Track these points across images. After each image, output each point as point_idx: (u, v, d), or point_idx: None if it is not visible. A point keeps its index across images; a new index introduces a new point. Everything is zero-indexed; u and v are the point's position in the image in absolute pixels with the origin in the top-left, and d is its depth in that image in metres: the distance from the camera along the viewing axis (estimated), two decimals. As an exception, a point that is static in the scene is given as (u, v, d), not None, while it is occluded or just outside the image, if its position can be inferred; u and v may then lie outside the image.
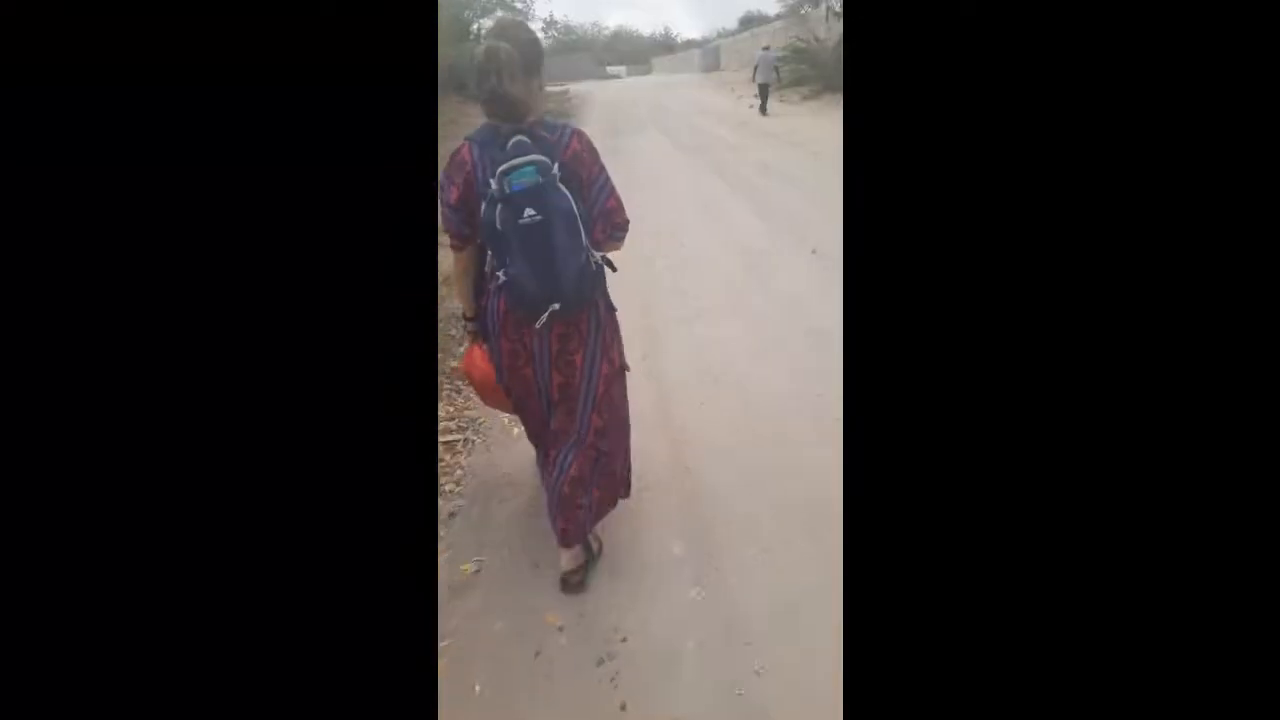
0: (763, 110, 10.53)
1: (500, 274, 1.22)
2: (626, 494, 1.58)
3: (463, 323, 1.46)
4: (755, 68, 10.84)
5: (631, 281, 3.38)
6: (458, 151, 1.20)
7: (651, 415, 2.13)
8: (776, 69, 10.80)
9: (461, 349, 2.41)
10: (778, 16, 20.22)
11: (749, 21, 34.39)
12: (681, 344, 2.69)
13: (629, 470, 1.57)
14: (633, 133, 9.54)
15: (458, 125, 7.48)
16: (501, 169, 1.12)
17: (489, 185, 1.14)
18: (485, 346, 1.40)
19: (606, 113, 12.93)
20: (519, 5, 15.28)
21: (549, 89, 15.58)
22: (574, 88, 19.75)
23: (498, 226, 1.15)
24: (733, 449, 1.95)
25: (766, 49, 11.31)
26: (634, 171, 6.51)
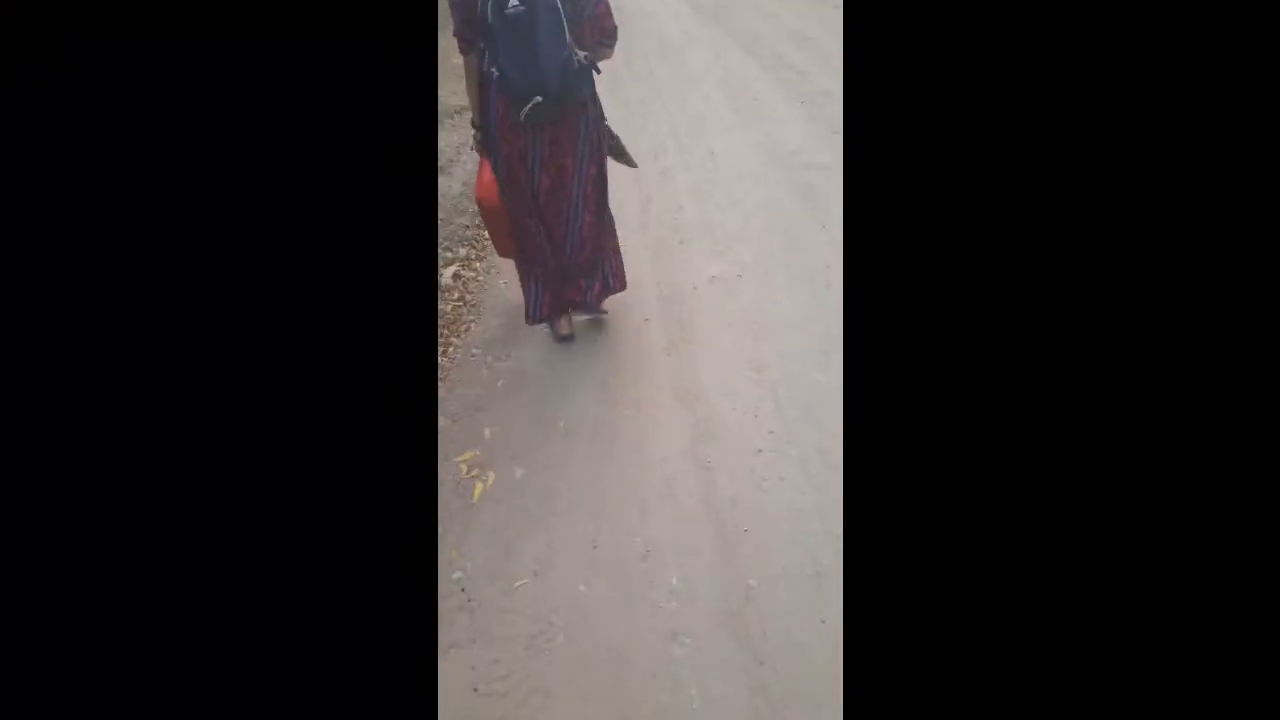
0: None
1: (493, 70, 1.34)
2: (622, 286, 1.80)
3: (472, 132, 1.51)
4: None
5: (649, 214, 2.48)
6: None
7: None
8: None
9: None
10: None
11: None
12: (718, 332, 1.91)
13: (620, 269, 1.77)
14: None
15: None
16: None
17: None
18: (490, 164, 1.51)
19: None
20: None
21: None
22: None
23: (489, 20, 1.26)
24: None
25: None
26: (639, 46, 5.27)
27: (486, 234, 2.12)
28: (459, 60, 1.45)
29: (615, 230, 1.74)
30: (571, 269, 1.67)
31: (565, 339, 1.78)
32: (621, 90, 3.88)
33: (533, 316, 1.73)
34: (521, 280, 1.72)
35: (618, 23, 1.41)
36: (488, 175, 1.52)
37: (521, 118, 1.35)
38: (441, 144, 3.33)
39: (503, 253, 1.74)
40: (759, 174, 2.79)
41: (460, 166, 3.17)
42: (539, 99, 1.31)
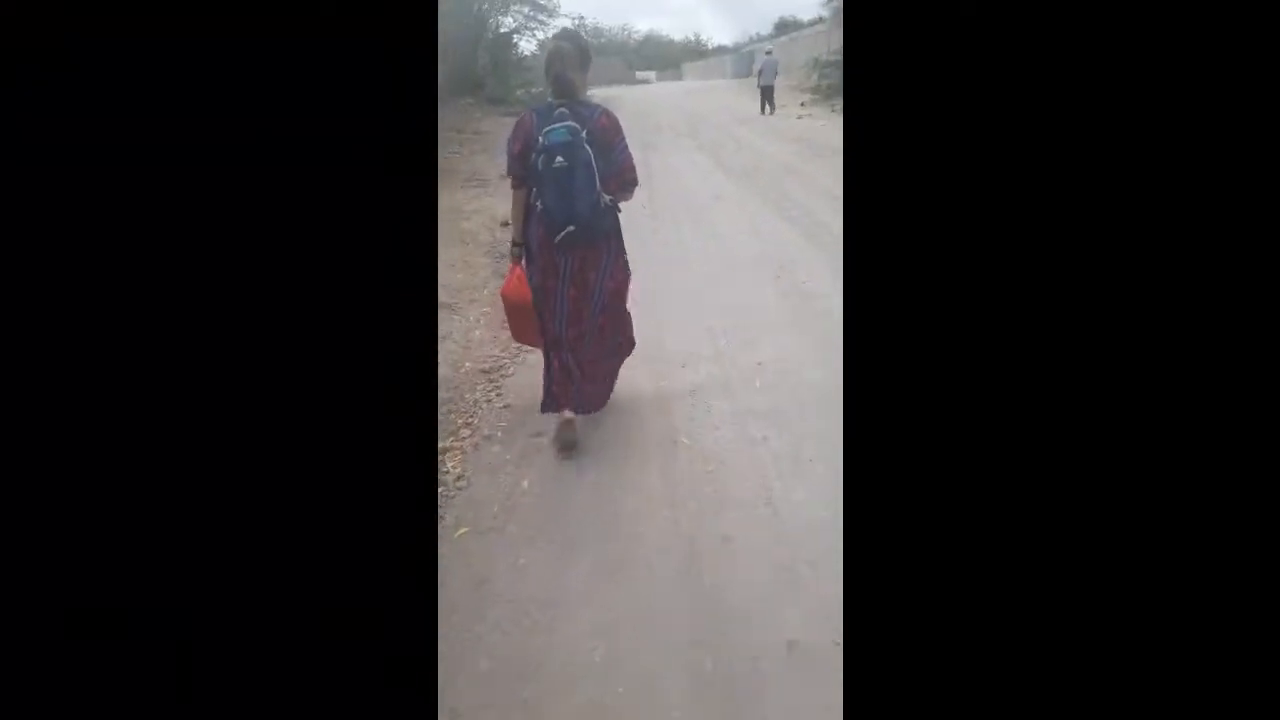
0: (763, 109, 11.46)
1: (537, 204, 1.72)
2: (629, 350, 2.09)
3: (511, 247, 1.92)
4: (759, 71, 11.80)
5: (674, 474, 1.69)
6: (521, 118, 1.77)
7: None
8: (777, 72, 11.77)
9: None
10: (817, 20, 18.61)
11: (784, 27, 32.90)
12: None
13: (632, 341, 2.08)
14: (666, 147, 7.95)
15: (482, 135, 7.59)
16: (545, 128, 1.64)
17: (538, 140, 1.64)
18: (523, 269, 1.88)
19: (636, 121, 11.09)
20: (543, 2, 13.78)
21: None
22: (603, 91, 18.17)
23: (538, 169, 1.65)
24: None
25: (769, 53, 12.40)
26: (667, 202, 4.90)
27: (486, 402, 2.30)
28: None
29: (631, 345, 2.09)
30: (583, 367, 1.94)
31: (567, 447, 1.92)
32: (648, 259, 3.20)
33: (548, 405, 1.98)
34: (545, 369, 1.99)
35: (639, 178, 1.86)
36: (516, 278, 1.87)
37: (556, 241, 1.71)
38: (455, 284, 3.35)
39: (518, 339, 2.08)
40: (827, 394, 2.05)
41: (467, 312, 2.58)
42: (571, 228, 1.68)
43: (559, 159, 1.61)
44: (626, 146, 1.77)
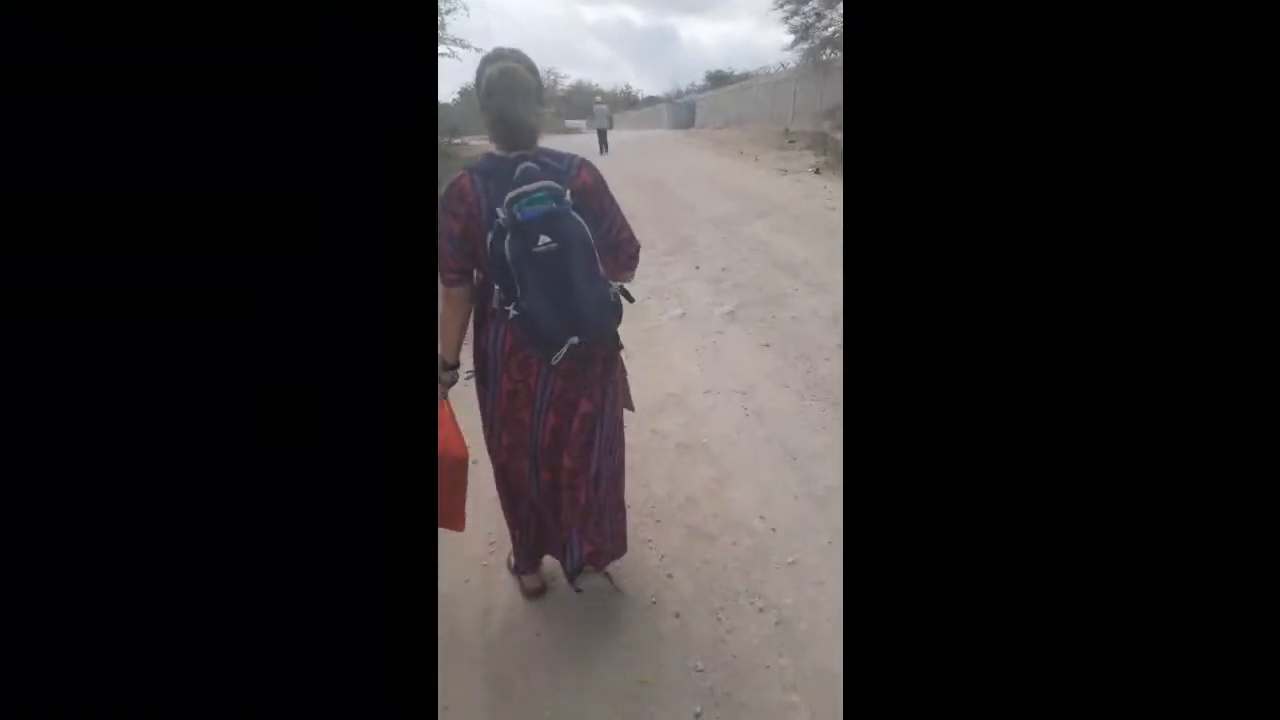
0: (601, 149, 12.60)
1: (510, 309, 1.11)
2: (623, 549, 1.46)
3: (440, 373, 1.22)
4: (592, 117, 14.11)
5: None
6: (455, 182, 1.10)
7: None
8: (610, 118, 13.56)
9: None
10: (744, 75, 17.28)
11: (717, 79, 31.83)
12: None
13: (624, 524, 1.46)
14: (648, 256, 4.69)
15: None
16: (510, 195, 1.04)
17: (495, 215, 1.05)
18: (449, 409, 1.26)
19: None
20: (458, 51, 10.94)
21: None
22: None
23: (507, 257, 1.05)
24: None
25: (600, 102, 13.71)
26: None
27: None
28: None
29: (622, 485, 1.43)
30: (559, 520, 1.35)
31: (535, 594, 1.51)
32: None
33: (518, 567, 1.50)
34: (510, 529, 1.45)
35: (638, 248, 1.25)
36: (442, 428, 1.20)
37: (554, 362, 1.15)
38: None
39: (446, 522, 1.28)
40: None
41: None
42: (574, 340, 1.12)
43: (543, 239, 1.04)
44: (618, 207, 1.20)
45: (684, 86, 40.21)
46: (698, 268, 4.20)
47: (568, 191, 1.07)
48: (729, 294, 3.65)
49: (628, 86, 61.75)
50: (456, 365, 1.23)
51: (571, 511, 1.30)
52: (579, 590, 1.48)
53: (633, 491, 1.77)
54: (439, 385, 1.22)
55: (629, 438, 1.57)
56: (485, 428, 1.29)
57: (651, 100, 43.82)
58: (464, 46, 10.33)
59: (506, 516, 1.43)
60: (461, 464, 1.23)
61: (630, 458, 1.57)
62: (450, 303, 1.16)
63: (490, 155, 1.11)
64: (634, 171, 9.25)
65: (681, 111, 26.21)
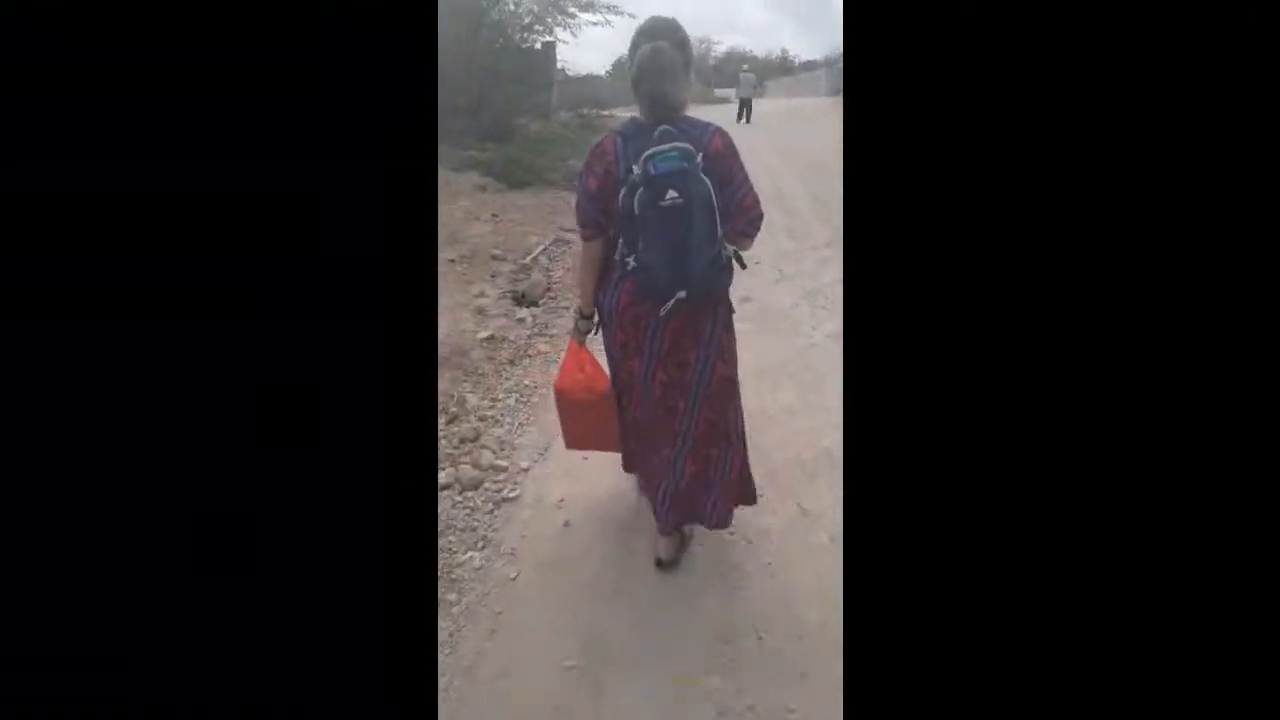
0: (740, 118, 11.73)
1: (630, 260, 1.20)
2: (752, 500, 1.51)
3: (576, 319, 1.37)
4: (737, 86, 12.83)
5: None
6: (600, 143, 1.20)
7: None
8: (755, 86, 12.28)
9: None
10: None
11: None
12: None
13: (749, 479, 1.48)
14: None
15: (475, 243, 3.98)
16: (647, 154, 1.10)
17: (630, 171, 1.13)
18: (587, 352, 1.37)
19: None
20: (611, 19, 10.34)
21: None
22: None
23: (635, 210, 1.12)
24: None
25: (746, 70, 13.24)
26: None
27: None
28: None
29: (744, 443, 1.45)
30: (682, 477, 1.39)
31: (666, 564, 1.47)
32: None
33: (664, 526, 1.46)
34: (643, 489, 1.53)
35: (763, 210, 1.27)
36: (578, 363, 1.36)
37: (662, 314, 1.20)
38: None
39: (578, 444, 1.53)
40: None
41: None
42: (683, 294, 1.16)
43: (671, 194, 1.09)
44: (747, 176, 1.23)
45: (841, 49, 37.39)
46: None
47: (700, 154, 1.13)
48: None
49: (784, 51, 58.72)
50: (592, 315, 1.34)
51: (677, 470, 1.37)
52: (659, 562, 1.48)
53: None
54: (576, 334, 1.37)
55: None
56: (584, 382, 1.38)
57: (809, 65, 41.40)
58: (617, 13, 9.94)
59: (639, 482, 1.54)
60: (600, 399, 1.37)
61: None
62: (586, 256, 1.29)
63: (635, 120, 1.20)
64: (788, 146, 8.34)
65: (839, 76, 24.51)
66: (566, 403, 1.41)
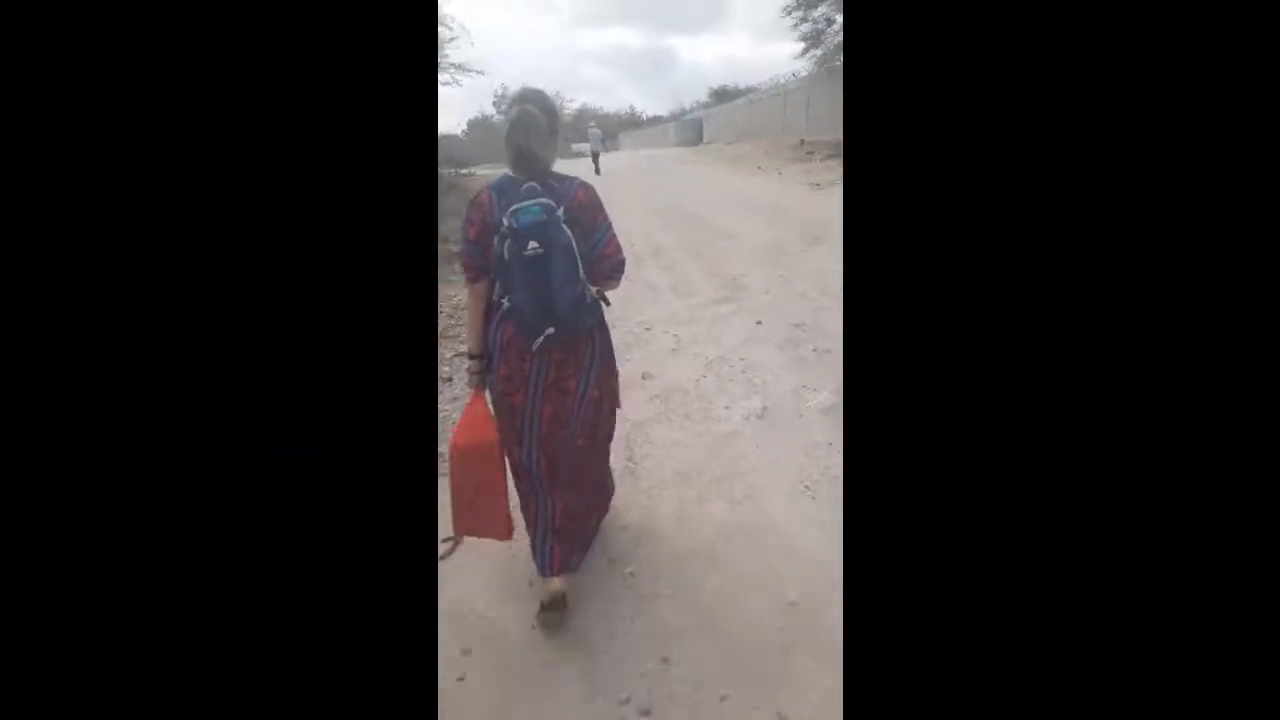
0: (596, 170, 12.26)
1: (504, 301, 1.33)
2: (605, 509, 1.71)
3: (469, 361, 1.43)
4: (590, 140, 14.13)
5: None
6: (478, 196, 1.34)
7: None
8: (603, 141, 13.47)
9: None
10: (747, 90, 16.83)
11: (722, 95, 31.19)
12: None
13: (611, 491, 1.73)
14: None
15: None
16: (513, 208, 1.25)
17: (502, 223, 1.26)
18: (485, 402, 1.39)
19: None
20: (460, 78, 10.42)
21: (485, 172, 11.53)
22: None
23: (505, 257, 1.26)
24: None
25: (593, 126, 14.59)
26: None
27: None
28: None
29: (610, 491, 1.70)
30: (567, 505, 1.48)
31: (552, 607, 1.42)
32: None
33: (544, 569, 1.47)
34: (529, 527, 1.51)
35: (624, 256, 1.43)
36: (474, 415, 1.40)
37: (534, 349, 1.33)
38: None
39: (466, 529, 1.48)
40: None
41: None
42: (551, 330, 1.31)
43: (532, 244, 1.24)
44: (610, 226, 1.37)
45: (688, 104, 39.42)
46: (759, 323, 3.17)
47: (562, 207, 1.27)
48: (815, 366, 2.62)
49: (631, 107, 61.77)
50: (482, 355, 1.39)
51: (555, 504, 1.42)
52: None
53: None
54: (472, 379, 1.41)
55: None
56: (481, 430, 1.41)
57: (656, 120, 43.46)
58: (466, 73, 10.11)
59: (527, 517, 1.49)
60: (493, 454, 1.36)
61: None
62: (472, 297, 1.38)
63: (507, 176, 1.33)
64: (654, 197, 8.29)
65: (688, 128, 25.92)
66: (462, 457, 1.38)
